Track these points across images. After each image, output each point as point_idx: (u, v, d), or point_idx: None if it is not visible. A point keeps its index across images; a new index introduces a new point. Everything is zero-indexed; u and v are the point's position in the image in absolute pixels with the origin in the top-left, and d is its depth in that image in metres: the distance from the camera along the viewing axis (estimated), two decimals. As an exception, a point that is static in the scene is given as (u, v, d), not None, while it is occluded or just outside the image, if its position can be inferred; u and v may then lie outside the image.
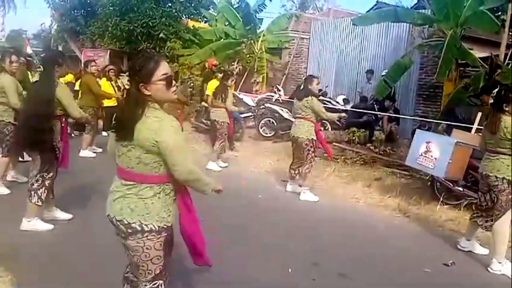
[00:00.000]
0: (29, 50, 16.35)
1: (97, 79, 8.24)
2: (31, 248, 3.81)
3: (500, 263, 3.93)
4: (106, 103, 8.90)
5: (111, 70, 9.47)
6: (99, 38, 15.71)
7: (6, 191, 5.24)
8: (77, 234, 4.16)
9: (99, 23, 15.18)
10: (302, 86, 6.19)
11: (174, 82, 2.17)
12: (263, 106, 10.70)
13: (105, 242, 3.96)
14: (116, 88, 9.48)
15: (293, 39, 14.25)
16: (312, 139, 5.75)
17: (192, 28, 14.64)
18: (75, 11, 16.77)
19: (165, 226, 2.21)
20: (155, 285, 2.28)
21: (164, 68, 2.11)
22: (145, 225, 2.15)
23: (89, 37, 16.56)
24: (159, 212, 2.18)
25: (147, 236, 2.17)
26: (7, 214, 4.46)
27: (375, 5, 14.69)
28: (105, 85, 9.37)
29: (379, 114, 9.46)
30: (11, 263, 3.47)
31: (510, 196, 3.88)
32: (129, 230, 2.16)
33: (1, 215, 4.49)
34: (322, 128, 9.59)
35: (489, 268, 3.95)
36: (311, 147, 5.76)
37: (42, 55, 6.32)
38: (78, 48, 17.63)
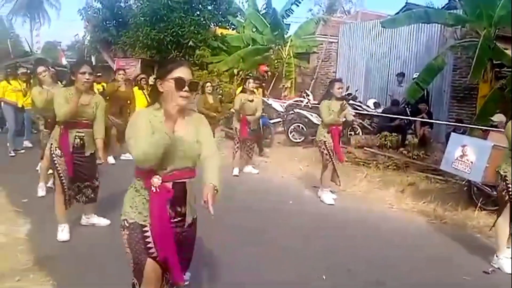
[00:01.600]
0: (63, 61, 16.98)
1: (122, 87, 8.13)
2: (70, 253, 3.94)
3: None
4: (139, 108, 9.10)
5: (143, 79, 9.69)
6: (130, 47, 16.09)
7: (43, 193, 5.57)
8: (116, 240, 4.24)
9: (130, 33, 15.55)
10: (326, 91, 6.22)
11: (187, 89, 2.15)
12: (292, 112, 10.69)
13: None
14: (147, 96, 9.69)
15: (321, 44, 14.21)
16: (322, 140, 5.76)
17: (220, 35, 14.80)
18: (107, 22, 17.24)
19: (127, 223, 2.21)
20: (133, 282, 2.32)
21: (182, 71, 2.16)
22: (121, 214, 2.27)
23: (121, 47, 16.99)
24: (125, 206, 2.24)
25: (120, 226, 2.26)
26: (47, 219, 4.63)
27: (405, 6, 14.47)
28: (137, 94, 9.59)
29: (412, 119, 9.28)
30: (52, 268, 3.60)
31: None
32: None
33: (41, 220, 4.66)
34: (351, 134, 9.60)
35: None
36: (323, 149, 5.77)
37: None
38: (110, 58, 18.12)
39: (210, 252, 3.88)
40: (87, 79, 4.00)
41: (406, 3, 14.98)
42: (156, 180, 2.14)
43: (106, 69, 15.70)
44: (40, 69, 5.59)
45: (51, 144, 4.19)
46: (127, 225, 2.22)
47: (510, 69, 8.09)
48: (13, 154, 8.03)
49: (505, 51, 7.90)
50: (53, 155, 4.12)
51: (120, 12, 17.17)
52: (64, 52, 28.11)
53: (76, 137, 4.12)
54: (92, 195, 4.33)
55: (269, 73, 13.21)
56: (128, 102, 8.19)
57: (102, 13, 17.30)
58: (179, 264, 2.22)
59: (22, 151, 8.40)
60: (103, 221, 4.54)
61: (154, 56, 15.23)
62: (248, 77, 8.97)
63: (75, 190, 4.22)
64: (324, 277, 3.65)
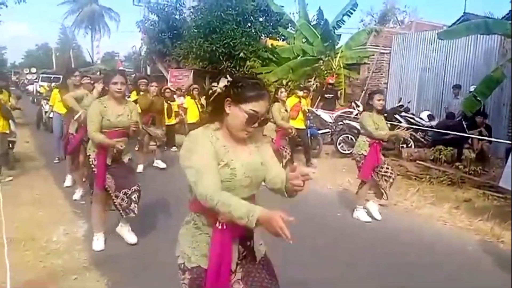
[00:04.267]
0: (121, 71, 17.79)
1: (155, 98, 8.12)
2: (126, 253, 4.11)
3: None
4: (190, 120, 9.30)
5: (195, 89, 9.99)
6: (184, 59, 16.60)
7: (78, 197, 5.85)
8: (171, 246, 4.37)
9: (184, 44, 16.05)
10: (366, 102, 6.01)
11: (256, 125, 1.90)
12: (342, 123, 10.59)
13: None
14: (199, 106, 9.95)
15: (373, 54, 13.99)
16: (361, 154, 5.46)
17: (270, 46, 14.95)
18: (163, 34, 17.86)
19: (185, 266, 1.91)
20: None
21: (259, 106, 1.87)
22: (177, 255, 1.98)
23: (174, 58, 17.56)
24: (183, 246, 1.95)
25: (178, 269, 1.97)
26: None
27: (462, 16, 13.98)
28: (189, 103, 9.87)
29: (469, 132, 8.89)
30: (107, 268, 3.77)
31: None
32: None
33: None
34: (403, 146, 9.29)
35: None
36: (362, 163, 5.47)
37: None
38: (165, 69, 18.78)
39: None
40: (119, 89, 4.05)
41: (464, 13, 14.46)
42: (224, 216, 1.78)
43: (160, 79, 16.30)
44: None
45: (89, 155, 4.20)
46: (188, 268, 1.91)
47: None
48: (57, 161, 8.24)
49: None
50: (92, 165, 4.16)
51: (175, 24, 17.76)
52: (122, 62, 29.54)
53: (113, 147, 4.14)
54: (130, 204, 4.22)
55: (334, 85, 13.06)
56: (160, 113, 8.29)
57: (158, 25, 17.97)
58: None
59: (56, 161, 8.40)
60: (130, 238, 4.37)
61: (206, 67, 15.62)
62: (280, 86, 8.79)
63: (125, 199, 4.15)
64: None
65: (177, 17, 18.08)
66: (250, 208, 1.66)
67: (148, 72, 20.60)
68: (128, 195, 4.17)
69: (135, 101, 6.80)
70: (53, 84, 16.38)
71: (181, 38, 16.81)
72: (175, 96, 10.70)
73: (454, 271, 4.15)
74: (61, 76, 9.36)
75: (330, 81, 12.52)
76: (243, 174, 1.88)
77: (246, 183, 1.90)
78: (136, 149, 7.84)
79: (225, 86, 1.90)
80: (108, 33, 51.43)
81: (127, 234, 4.39)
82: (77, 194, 5.93)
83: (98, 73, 17.42)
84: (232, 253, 1.88)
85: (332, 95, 12.62)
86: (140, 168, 7.81)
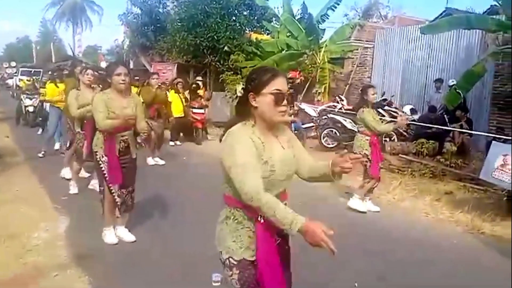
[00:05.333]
0: (103, 65, 17.56)
1: (157, 91, 8.19)
2: (108, 251, 4.07)
3: None
4: (175, 114, 9.25)
5: (179, 83, 9.90)
6: (167, 52, 16.41)
7: (75, 190, 5.85)
8: (156, 244, 4.34)
9: (168, 38, 15.87)
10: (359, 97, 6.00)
11: (285, 102, 1.91)
12: (326, 117, 10.64)
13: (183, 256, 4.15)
14: (183, 100, 9.88)
15: (356, 49, 14.06)
16: (365, 154, 5.43)
17: (255, 40, 14.91)
18: (146, 27, 17.62)
19: (233, 261, 1.93)
20: None
21: (279, 83, 1.90)
22: (220, 253, 1.99)
23: (158, 52, 17.35)
24: (225, 240, 1.95)
25: (223, 267, 1.98)
26: (85, 217, 4.80)
27: (444, 11, 14.13)
28: (173, 97, 9.78)
29: (450, 125, 9.03)
30: (89, 265, 3.73)
31: None
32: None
33: (79, 217, 4.84)
34: (386, 140, 9.38)
35: None
36: (366, 161, 5.47)
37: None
38: (148, 62, 18.57)
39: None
40: (123, 80, 3.94)
41: (446, 8, 14.63)
42: None
43: (143, 73, 16.12)
44: (89, 72, 5.64)
45: (96, 151, 4.08)
46: (234, 263, 1.93)
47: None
48: (41, 155, 8.18)
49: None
50: (100, 162, 4.04)
51: (158, 18, 17.53)
52: (104, 56, 29.13)
53: (121, 141, 4.06)
54: (131, 202, 4.26)
55: (302, 78, 13.15)
56: (164, 105, 8.32)
57: (141, 19, 17.71)
58: None
59: (62, 155, 8.50)
60: (128, 237, 4.32)
61: (190, 60, 15.49)
62: None
63: (123, 197, 4.14)
64: (356, 284, 3.61)
65: (160, 10, 17.85)
66: (294, 217, 1.72)
67: (131, 66, 20.34)
68: (125, 194, 4.16)
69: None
70: (34, 76, 16.11)
71: (164, 31, 16.62)
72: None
73: (435, 261, 4.22)
74: (41, 70, 9.22)
75: (290, 76, 12.40)
76: (281, 169, 1.94)
77: (283, 177, 1.96)
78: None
79: (242, 88, 1.99)
80: (90, 26, 50.63)
81: (124, 233, 4.34)
82: (74, 188, 5.90)
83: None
84: (274, 245, 1.93)
85: (293, 90, 12.53)
86: (150, 161, 8.02)
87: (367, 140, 5.49)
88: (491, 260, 4.37)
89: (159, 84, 8.49)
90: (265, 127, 1.95)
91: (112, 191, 4.07)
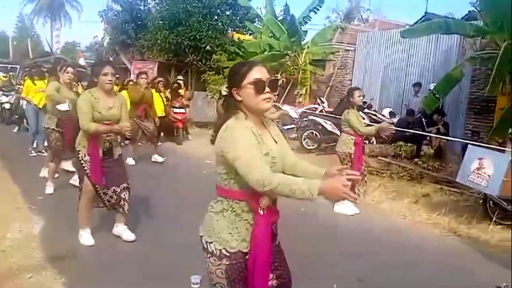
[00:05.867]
0: (82, 62, 17.26)
1: (146, 90, 8.21)
2: (83, 252, 3.99)
3: None
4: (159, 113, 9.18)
5: (160, 82, 9.79)
6: (148, 50, 16.22)
7: (51, 191, 5.72)
8: (130, 245, 4.27)
9: (149, 36, 15.69)
10: (345, 99, 6.10)
11: (268, 89, 1.94)
12: (307, 118, 10.68)
13: (160, 255, 4.10)
14: (164, 99, 9.78)
15: (338, 51, 14.17)
16: (349, 153, 5.57)
17: (237, 40, 14.87)
18: (126, 24, 17.38)
19: (226, 252, 1.95)
20: None
21: (257, 73, 1.94)
22: (208, 243, 1.99)
23: (138, 50, 17.14)
24: (220, 232, 1.95)
25: (209, 257, 1.98)
26: (60, 217, 4.69)
27: (424, 16, 14.36)
28: (154, 96, 9.65)
29: (428, 129, 9.17)
30: (64, 266, 3.65)
31: None
32: (202, 245, 2.04)
33: (55, 217, 4.73)
34: (366, 142, 9.48)
35: None
36: (348, 161, 5.58)
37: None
38: (128, 60, 18.31)
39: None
40: (110, 80, 3.90)
41: (426, 13, 14.87)
42: (265, 202, 1.90)
43: (123, 71, 15.90)
44: (69, 69, 5.66)
45: (79, 150, 4.01)
46: (227, 254, 1.94)
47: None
48: (34, 154, 8.11)
49: (526, 63, 7.77)
50: (82, 162, 3.99)
51: (139, 15, 17.33)
52: (83, 53, 28.60)
53: (106, 141, 4.01)
54: (128, 198, 4.18)
55: (284, 79, 13.17)
56: (151, 105, 8.22)
57: (121, 16, 17.48)
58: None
59: (45, 154, 8.31)
60: (128, 236, 4.26)
61: (171, 59, 15.35)
62: None
63: (114, 197, 4.06)
64: (334, 286, 3.62)
65: (141, 7, 17.64)
66: (309, 184, 1.74)
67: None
68: (117, 193, 4.07)
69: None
70: (11, 73, 15.70)
71: (145, 29, 16.41)
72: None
73: (412, 264, 4.27)
74: (17, 66, 9.05)
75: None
76: (279, 162, 1.99)
77: (279, 170, 1.99)
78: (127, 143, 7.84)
79: (226, 87, 2.08)
80: (69, 22, 49.65)
81: (124, 232, 4.27)
82: (50, 188, 5.77)
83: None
84: (270, 237, 1.98)
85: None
86: (130, 161, 7.83)
87: (352, 139, 5.59)
88: (467, 263, 4.45)
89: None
90: (256, 120, 1.99)
91: (98, 189, 4.01)
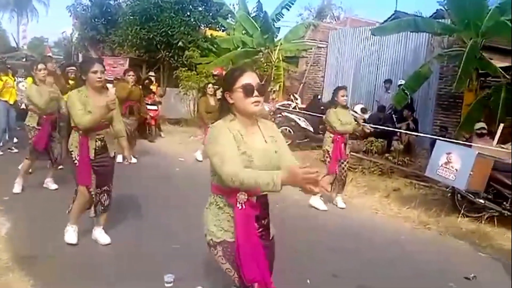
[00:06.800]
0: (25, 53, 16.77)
1: (133, 87, 7.90)
2: (52, 253, 3.88)
3: None
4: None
5: (130, 76, 9.51)
6: (119, 46, 15.91)
7: (19, 190, 5.54)
8: (103, 246, 4.17)
9: (119, 31, 15.38)
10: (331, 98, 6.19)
11: (257, 93, 2.10)
12: (280, 115, 10.72)
13: (128, 254, 4.03)
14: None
15: (311, 48, 14.28)
16: (325, 149, 5.81)
17: (210, 37, 14.77)
18: (96, 19, 16.99)
19: (213, 241, 2.14)
20: None
21: (247, 78, 2.11)
22: (205, 236, 2.19)
23: (109, 45, 16.80)
24: (209, 224, 2.16)
25: (209, 248, 2.18)
26: (27, 218, 4.55)
27: (393, 14, 14.61)
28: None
29: (398, 124, 9.36)
30: (32, 268, 3.54)
31: None
32: None
33: (22, 218, 4.58)
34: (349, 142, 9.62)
35: None
36: (326, 157, 5.80)
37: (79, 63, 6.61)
38: (98, 56, 17.92)
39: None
40: (99, 78, 3.80)
41: (395, 11, 15.13)
42: (242, 197, 2.04)
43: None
44: (41, 66, 5.48)
45: (72, 151, 3.90)
46: (217, 242, 2.13)
47: (495, 79, 8.24)
48: (1, 153, 7.83)
49: (491, 61, 8.03)
50: (76, 162, 3.87)
51: (109, 10, 16.96)
52: (51, 48, 27.79)
53: (97, 140, 3.89)
54: (107, 202, 4.07)
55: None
56: (137, 102, 8.02)
57: (91, 10, 17.06)
58: (269, 278, 2.17)
59: (15, 150, 8.02)
60: (103, 239, 4.13)
61: (142, 55, 15.10)
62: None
63: (97, 199, 3.98)
64: (308, 281, 3.65)
65: (111, 2, 17.27)
66: (272, 173, 1.88)
67: (80, 60, 19.57)
68: (97, 194, 3.97)
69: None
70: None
71: (116, 25, 16.08)
72: (110, 85, 10.24)
73: (383, 257, 4.35)
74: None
75: (215, 73, 12.12)
76: (259, 160, 2.07)
77: (262, 169, 2.04)
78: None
79: (221, 91, 2.23)
80: (36, 17, 48.15)
81: (99, 235, 4.15)
82: (18, 187, 5.58)
83: (24, 59, 16.27)
84: (252, 230, 2.11)
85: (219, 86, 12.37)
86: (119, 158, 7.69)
87: (331, 137, 5.77)
88: (437, 254, 4.57)
89: (109, 79, 8.19)
90: (246, 121, 2.14)
91: (91, 190, 3.90)
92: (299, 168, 1.82)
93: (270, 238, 2.27)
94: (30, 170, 5.91)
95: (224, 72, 12.32)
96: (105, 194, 4.03)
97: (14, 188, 5.55)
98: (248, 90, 2.09)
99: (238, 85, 2.10)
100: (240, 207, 2.05)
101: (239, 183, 1.92)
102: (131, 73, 7.96)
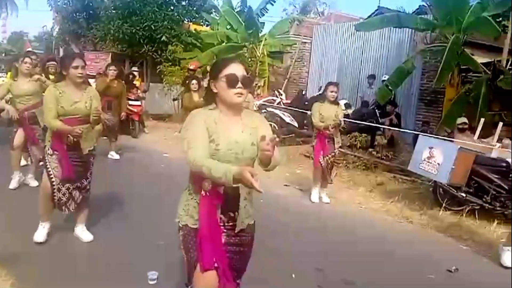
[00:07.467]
0: (28, 52, 16.42)
1: (113, 82, 7.80)
2: (33, 252, 3.81)
3: None
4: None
5: (112, 70, 9.37)
6: (101, 41, 15.67)
7: (15, 185, 5.51)
8: (86, 244, 4.11)
9: (101, 26, 15.13)
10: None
11: (240, 85, 2.08)
12: (265, 110, 10.70)
13: (112, 252, 3.98)
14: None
15: (295, 43, 14.28)
16: (311, 145, 5.98)
17: (194, 31, 14.65)
18: (77, 13, 16.69)
19: (179, 225, 2.22)
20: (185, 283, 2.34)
21: (232, 69, 2.10)
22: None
23: (91, 40, 16.54)
24: (180, 207, 2.24)
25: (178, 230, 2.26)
26: (10, 215, 4.46)
27: (377, 10, 14.72)
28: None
29: (381, 119, 9.44)
30: (12, 266, 3.47)
31: None
32: None
33: (3, 216, 4.49)
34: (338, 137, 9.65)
35: None
36: (312, 151, 5.98)
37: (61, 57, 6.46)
38: (79, 51, 17.61)
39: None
40: (80, 73, 3.74)
41: (378, 7, 15.24)
42: (207, 184, 2.07)
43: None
44: (27, 60, 5.36)
45: (45, 145, 3.91)
46: (181, 226, 2.22)
47: (476, 74, 8.36)
48: None
49: (472, 56, 8.14)
50: (45, 155, 3.86)
51: (91, 4, 16.66)
52: (31, 43, 27.26)
53: (69, 136, 3.80)
54: (80, 199, 3.99)
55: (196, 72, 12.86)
56: (117, 98, 7.89)
57: (72, 4, 16.74)
58: (229, 271, 2.19)
59: None
60: (85, 236, 4.08)
61: (125, 50, 14.90)
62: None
63: (66, 195, 3.88)
64: (293, 276, 3.66)
65: (93, -4, 17.00)
66: (227, 168, 1.90)
67: (61, 54, 19.21)
68: (69, 190, 3.87)
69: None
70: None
71: (98, 19, 15.82)
72: (92, 80, 10.08)
73: (366, 250, 4.39)
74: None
75: (191, 67, 11.81)
76: (227, 150, 2.08)
77: (231, 158, 2.08)
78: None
79: (207, 80, 2.25)
80: (16, 11, 47.02)
81: (81, 233, 4.09)
82: (14, 183, 5.52)
83: (3, 54, 15.91)
84: (217, 216, 2.14)
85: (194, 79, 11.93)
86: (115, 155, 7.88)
87: (316, 132, 5.84)
88: (420, 248, 4.63)
89: (91, 74, 8.05)
90: (227, 110, 2.14)
91: (53, 183, 3.82)
92: (247, 170, 1.82)
93: (238, 230, 2.22)
94: (26, 163, 5.91)
95: (199, 67, 12.24)
96: (78, 191, 3.95)
97: (11, 183, 5.50)
98: (231, 81, 2.08)
99: (222, 75, 2.10)
100: (203, 194, 2.10)
101: (198, 169, 1.98)
102: (112, 67, 7.83)
